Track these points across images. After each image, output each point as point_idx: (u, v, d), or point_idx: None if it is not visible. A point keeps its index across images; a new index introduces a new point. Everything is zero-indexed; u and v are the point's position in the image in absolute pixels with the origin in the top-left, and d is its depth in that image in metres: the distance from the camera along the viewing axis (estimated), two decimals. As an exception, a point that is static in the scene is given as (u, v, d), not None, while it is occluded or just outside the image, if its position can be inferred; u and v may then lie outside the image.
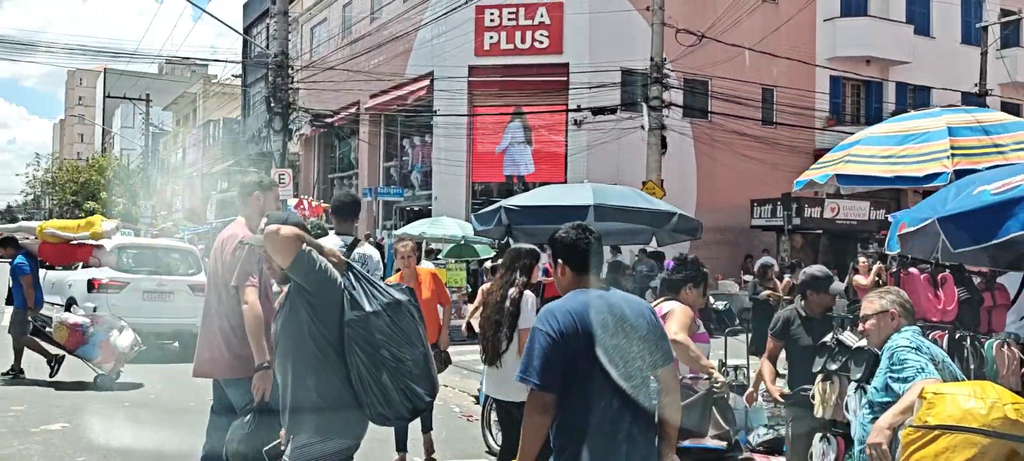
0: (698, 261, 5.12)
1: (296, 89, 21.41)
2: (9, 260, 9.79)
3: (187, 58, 58.86)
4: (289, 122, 20.61)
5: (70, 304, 12.11)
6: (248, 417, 3.92)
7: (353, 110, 26.72)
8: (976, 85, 23.31)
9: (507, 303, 4.83)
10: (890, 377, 3.46)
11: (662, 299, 4.67)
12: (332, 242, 5.72)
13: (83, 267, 11.58)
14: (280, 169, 19.33)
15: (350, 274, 3.21)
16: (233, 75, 40.07)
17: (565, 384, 2.92)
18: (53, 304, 12.70)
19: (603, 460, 2.92)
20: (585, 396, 2.92)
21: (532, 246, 5.26)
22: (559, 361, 2.89)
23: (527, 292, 4.96)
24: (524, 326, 4.79)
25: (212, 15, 22.15)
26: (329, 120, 25.27)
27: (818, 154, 23.68)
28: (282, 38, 20.10)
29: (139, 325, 11.45)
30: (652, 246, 15.71)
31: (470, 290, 18.32)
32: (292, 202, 18.80)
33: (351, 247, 5.36)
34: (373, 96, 25.80)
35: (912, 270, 4.68)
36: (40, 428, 7.20)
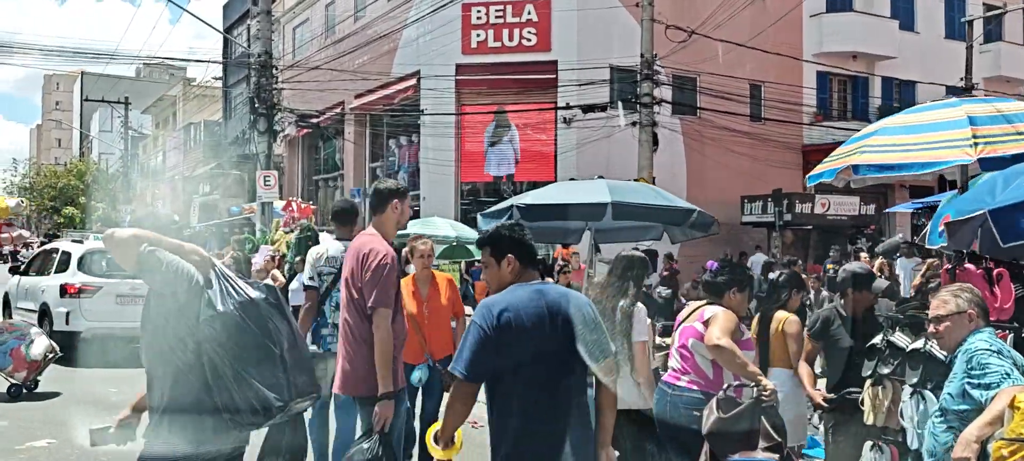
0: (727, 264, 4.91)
1: (280, 90, 21.07)
2: None
3: (166, 58, 58.11)
4: (273, 123, 20.28)
5: (44, 310, 11.91)
6: (371, 443, 3.97)
7: (338, 110, 26.36)
8: (962, 79, 23.33)
9: (618, 315, 4.63)
10: (968, 383, 3.20)
11: (704, 303, 4.42)
12: (334, 247, 5.63)
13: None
14: (265, 171, 19.00)
15: (213, 273, 3.04)
16: (213, 77, 39.56)
17: (497, 377, 2.97)
18: (28, 310, 12.52)
19: (537, 455, 2.96)
20: (520, 391, 2.96)
21: (642, 254, 5.00)
22: (492, 354, 2.94)
23: (639, 303, 4.79)
24: (639, 339, 4.69)
25: (193, 14, 21.71)
26: (314, 121, 24.89)
27: (806, 150, 23.78)
28: (265, 38, 19.75)
29: (113, 329, 11.69)
30: (645, 244, 15.59)
31: (467, 291, 18.06)
32: (279, 204, 18.47)
33: None
34: (358, 96, 25.46)
35: (968, 266, 4.45)
36: (25, 445, 6.86)
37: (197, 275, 3.00)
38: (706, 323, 4.20)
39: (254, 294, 3.02)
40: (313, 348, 5.49)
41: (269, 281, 14.31)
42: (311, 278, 5.64)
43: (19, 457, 6.61)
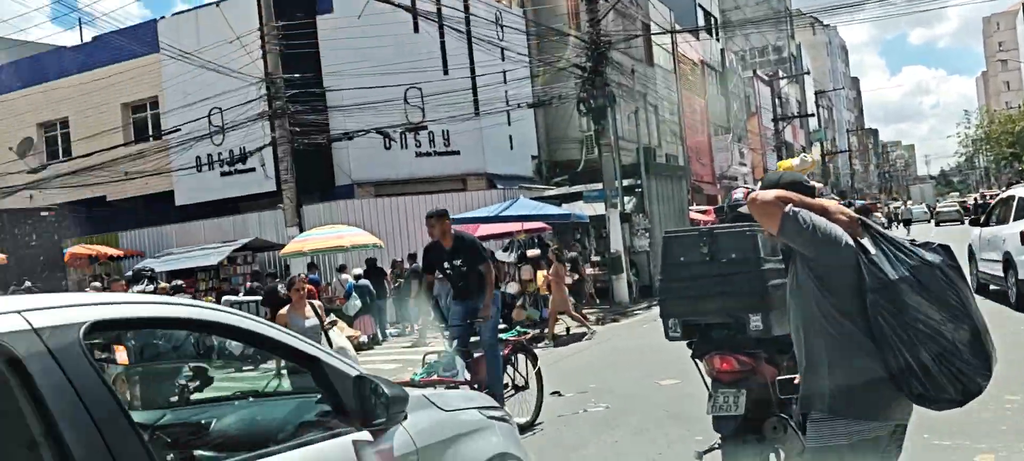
0: None
1: None
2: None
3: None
4: None
5: (1007, 259, 11.75)
6: None
7: None
8: None
9: None
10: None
11: None
12: None
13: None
14: None
15: (868, 236, 2.89)
16: None
17: None
18: (991, 261, 12.64)
19: None
20: None
21: None
22: None
23: None
24: None
25: None
26: None
27: None
28: None
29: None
30: None
31: None
32: None
33: None
34: None
35: None
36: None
37: (846, 238, 2.91)
38: None
39: (929, 256, 2.80)
40: None
41: None
42: None
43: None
